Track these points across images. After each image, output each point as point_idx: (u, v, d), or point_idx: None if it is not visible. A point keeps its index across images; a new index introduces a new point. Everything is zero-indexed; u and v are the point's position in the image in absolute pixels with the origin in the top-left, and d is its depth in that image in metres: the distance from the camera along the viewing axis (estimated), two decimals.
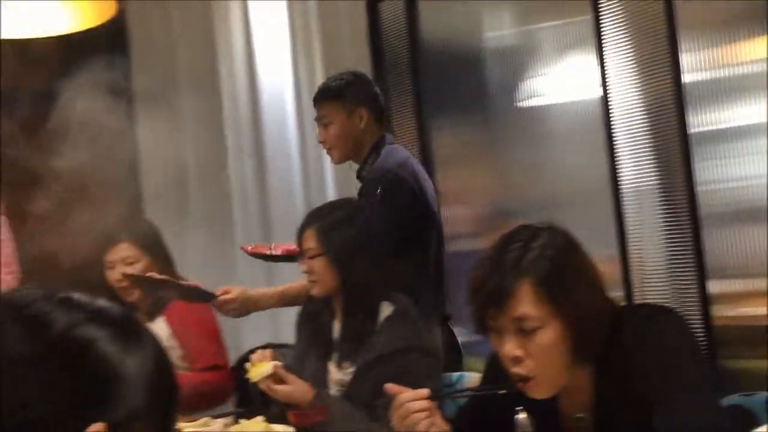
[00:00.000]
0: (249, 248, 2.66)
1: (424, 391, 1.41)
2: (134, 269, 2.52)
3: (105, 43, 3.32)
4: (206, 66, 3.55)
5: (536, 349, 1.27)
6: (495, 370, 1.43)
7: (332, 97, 2.47)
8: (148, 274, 2.43)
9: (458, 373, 2.25)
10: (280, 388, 1.92)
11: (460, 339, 2.55)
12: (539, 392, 1.31)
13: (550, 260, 1.30)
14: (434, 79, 3.50)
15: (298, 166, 3.72)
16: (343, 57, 3.74)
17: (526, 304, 1.27)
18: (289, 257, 2.43)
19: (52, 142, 3.15)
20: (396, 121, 3.76)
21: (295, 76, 3.70)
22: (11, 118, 3.19)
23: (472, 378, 2.21)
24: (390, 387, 1.43)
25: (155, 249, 2.59)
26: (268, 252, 2.60)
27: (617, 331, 1.32)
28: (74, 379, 0.71)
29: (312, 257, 2.06)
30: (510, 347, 1.28)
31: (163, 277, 2.41)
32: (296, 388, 1.93)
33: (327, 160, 3.74)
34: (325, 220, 2.10)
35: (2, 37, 2.67)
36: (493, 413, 1.40)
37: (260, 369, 1.92)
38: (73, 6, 2.74)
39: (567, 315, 1.27)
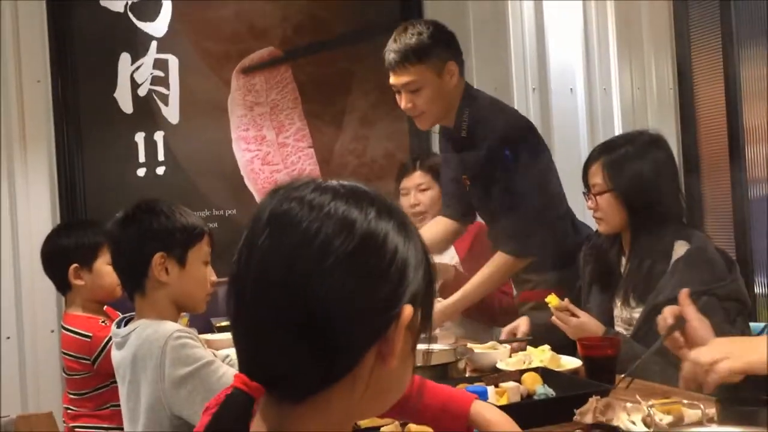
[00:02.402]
0: None
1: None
2: (426, 196, 2.69)
3: None
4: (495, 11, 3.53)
5: None
6: None
7: (418, 59, 2.20)
8: None
9: (761, 324, 2.07)
10: (573, 320, 1.93)
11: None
12: None
13: None
14: (742, 6, 3.15)
15: (583, 101, 3.60)
16: None
17: None
18: None
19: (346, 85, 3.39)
20: (697, 54, 3.48)
21: (585, 12, 3.56)
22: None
23: None
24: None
25: None
26: None
27: None
28: (377, 270, 0.74)
29: (599, 193, 2.00)
30: None
31: None
32: (587, 322, 1.93)
33: (614, 97, 3.65)
34: (612, 154, 2.01)
35: None
36: None
37: (556, 301, 1.99)
38: None
39: None
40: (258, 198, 3.45)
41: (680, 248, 1.93)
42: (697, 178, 3.48)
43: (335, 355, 0.73)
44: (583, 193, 2.09)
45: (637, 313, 1.96)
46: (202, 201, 3.31)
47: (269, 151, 3.46)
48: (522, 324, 2.22)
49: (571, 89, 3.60)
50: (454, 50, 2.27)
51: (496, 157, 2.24)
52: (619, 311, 2.04)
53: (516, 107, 3.53)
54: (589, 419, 1.39)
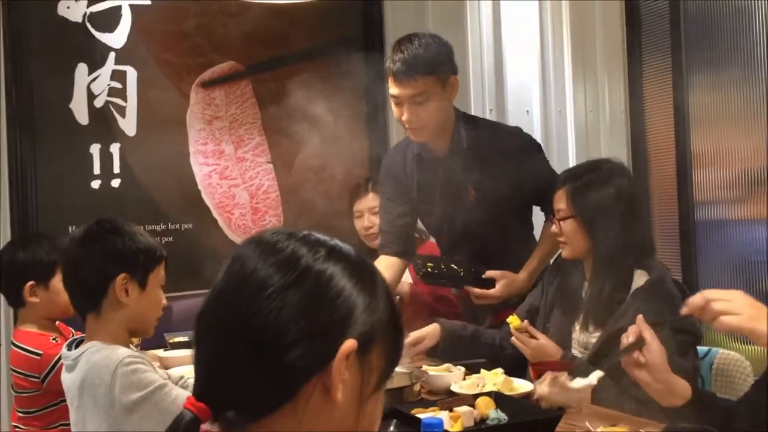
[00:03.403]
0: None
1: None
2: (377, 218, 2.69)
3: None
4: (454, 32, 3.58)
5: None
6: None
7: (426, 70, 2.17)
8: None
9: (706, 348, 2.14)
10: (532, 341, 1.98)
11: None
12: None
13: None
14: (692, 33, 3.26)
15: (539, 123, 3.68)
16: (590, 9, 3.62)
17: None
18: None
19: (307, 100, 3.41)
20: (648, 79, 3.58)
21: (541, 28, 3.64)
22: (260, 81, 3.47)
23: (721, 353, 2.09)
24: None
25: None
26: None
27: None
28: (318, 305, 0.79)
29: (563, 219, 2.03)
30: None
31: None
32: (546, 344, 1.98)
33: (568, 120, 3.72)
34: (577, 181, 2.03)
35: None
36: None
37: (517, 322, 2.04)
38: None
39: None
40: (215, 212, 3.44)
41: (640, 278, 1.97)
42: (646, 201, 3.58)
43: (276, 380, 0.77)
44: (548, 217, 2.13)
45: (594, 338, 2.00)
46: (159, 214, 3.28)
47: (228, 165, 3.45)
48: (429, 335, 2.23)
49: (527, 111, 3.67)
50: (454, 65, 2.27)
51: (520, 149, 2.34)
52: (577, 335, 2.08)
53: None
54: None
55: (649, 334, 1.44)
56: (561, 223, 2.03)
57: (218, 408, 0.79)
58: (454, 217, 2.42)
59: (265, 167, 3.51)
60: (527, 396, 1.90)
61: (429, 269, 2.35)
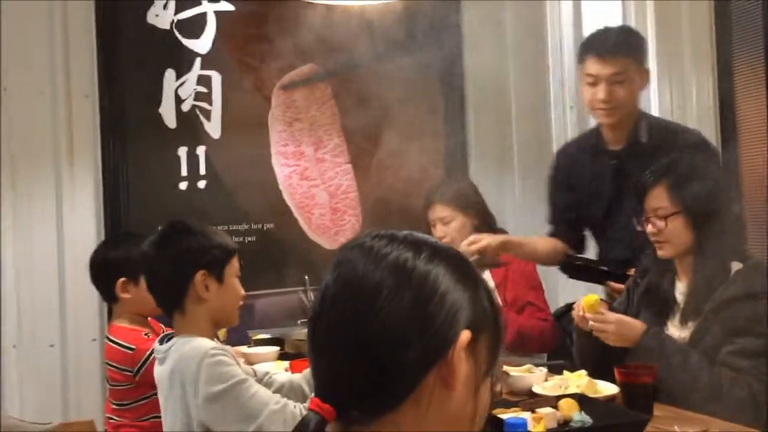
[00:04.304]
0: None
1: None
2: (450, 228, 2.67)
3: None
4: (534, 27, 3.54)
5: None
6: None
7: (628, 53, 2.32)
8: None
9: None
10: (611, 316, 1.92)
11: None
12: None
13: None
14: None
15: None
16: (675, 11, 3.51)
17: None
18: None
19: (385, 101, 3.44)
20: (739, 75, 3.45)
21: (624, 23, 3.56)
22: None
23: None
24: None
25: (470, 206, 2.69)
26: None
27: None
28: (429, 303, 0.83)
29: (664, 216, 1.94)
30: None
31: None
32: (627, 319, 1.93)
33: (654, 111, 3.61)
34: (677, 175, 1.94)
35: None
36: None
37: (594, 298, 2.00)
38: None
39: None
40: (296, 212, 3.50)
41: (737, 266, 1.91)
42: (737, 196, 3.44)
43: (396, 377, 0.82)
44: (638, 219, 2.04)
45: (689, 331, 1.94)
46: (241, 214, 3.36)
47: (307, 166, 3.51)
48: None
49: None
50: (647, 59, 2.43)
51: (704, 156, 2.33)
52: (672, 333, 2.00)
53: (553, 125, 3.56)
54: None
55: None
56: (660, 221, 1.94)
57: (341, 407, 0.83)
58: (619, 209, 2.40)
59: (344, 167, 3.55)
60: (612, 399, 1.85)
61: (577, 263, 2.46)
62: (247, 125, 3.40)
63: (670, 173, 1.95)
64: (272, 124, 3.46)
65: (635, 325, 1.91)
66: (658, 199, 1.94)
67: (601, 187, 2.45)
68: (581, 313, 1.98)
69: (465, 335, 0.82)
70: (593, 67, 2.32)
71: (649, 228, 1.97)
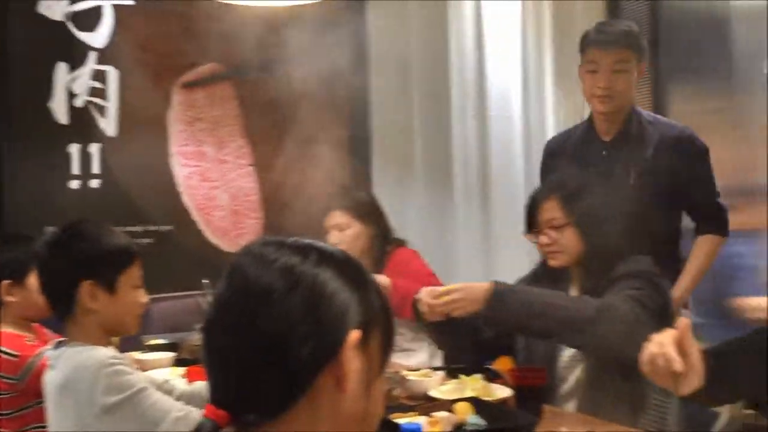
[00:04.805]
0: None
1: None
2: (345, 235, 2.62)
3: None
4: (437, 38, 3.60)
5: None
6: None
7: (630, 44, 2.39)
8: None
9: None
10: (453, 286, 1.92)
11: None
12: None
13: None
14: (675, 44, 3.31)
15: (520, 129, 3.70)
16: (573, 17, 3.65)
17: None
18: None
19: (292, 103, 3.42)
20: None
21: (523, 37, 3.67)
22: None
23: None
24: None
25: (368, 216, 2.68)
26: None
27: None
28: (318, 303, 0.85)
29: (557, 227, 2.02)
30: None
31: None
32: (468, 283, 1.94)
33: (549, 123, 3.75)
34: (569, 189, 2.04)
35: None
36: None
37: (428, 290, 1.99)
38: None
39: None
40: (195, 214, 3.42)
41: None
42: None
43: (288, 379, 0.83)
44: (529, 230, 2.10)
45: None
46: (138, 216, 3.26)
47: (208, 167, 3.44)
48: None
49: (508, 116, 3.70)
50: (646, 56, 2.46)
51: (687, 153, 2.41)
52: None
53: (456, 135, 3.63)
54: None
55: (692, 344, 1.31)
56: (556, 231, 2.02)
57: (237, 412, 0.84)
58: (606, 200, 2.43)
59: (246, 169, 3.50)
60: (505, 401, 1.90)
61: None
62: (145, 123, 3.30)
63: (562, 187, 2.05)
64: (172, 123, 3.37)
65: (481, 284, 1.92)
66: (552, 210, 2.03)
67: (590, 176, 2.43)
68: (428, 301, 1.94)
69: (354, 335, 0.83)
70: (595, 54, 2.39)
71: (543, 239, 2.05)
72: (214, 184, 3.45)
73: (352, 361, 0.83)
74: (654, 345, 1.30)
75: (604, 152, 2.47)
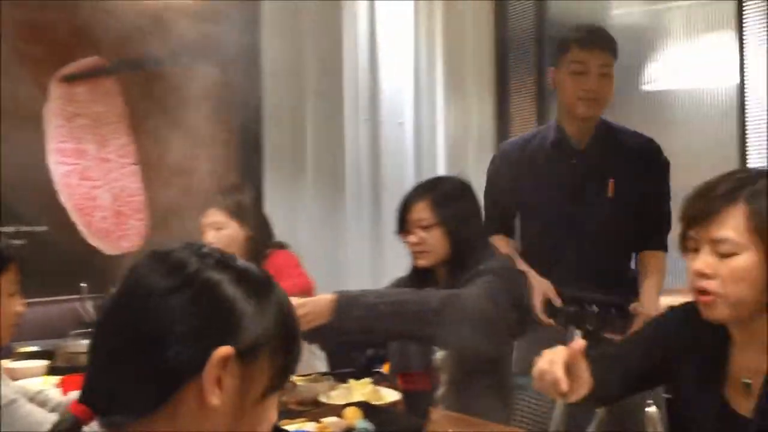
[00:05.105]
0: None
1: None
2: (222, 234, 2.58)
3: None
4: (331, 43, 3.59)
5: (726, 271, 1.29)
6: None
7: (613, 48, 2.32)
8: None
9: None
10: (297, 300, 1.88)
11: None
12: (718, 313, 1.32)
13: None
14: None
15: (411, 135, 3.75)
16: (463, 24, 3.74)
17: (730, 228, 1.29)
18: None
19: (176, 102, 3.32)
20: (515, 104, 3.75)
21: (416, 43, 3.72)
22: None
23: None
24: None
25: (247, 217, 2.63)
26: None
27: None
28: (200, 309, 0.82)
29: (426, 227, 2.09)
30: (700, 264, 1.31)
31: None
32: (310, 298, 1.95)
33: (439, 129, 3.82)
34: (437, 192, 2.12)
35: None
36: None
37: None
38: None
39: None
40: (74, 214, 3.26)
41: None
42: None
43: (154, 380, 0.80)
44: (401, 230, 2.15)
45: None
46: (10, 215, 3.06)
47: (89, 165, 3.28)
48: None
49: (400, 122, 3.75)
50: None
51: (653, 165, 2.36)
52: None
53: (347, 138, 3.63)
54: None
55: (582, 365, 1.37)
56: (424, 231, 2.08)
57: (102, 410, 0.83)
58: (578, 211, 2.36)
59: (130, 168, 3.36)
60: (394, 405, 1.92)
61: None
62: (20, 118, 3.10)
63: (434, 189, 2.12)
64: (49, 118, 3.20)
65: (325, 296, 1.93)
66: (422, 211, 2.09)
67: (559, 185, 2.39)
68: None
69: (222, 351, 0.80)
70: (581, 55, 2.30)
71: (411, 238, 2.11)
72: (95, 183, 3.29)
73: (217, 377, 0.80)
74: (544, 362, 1.34)
75: (574, 160, 2.38)
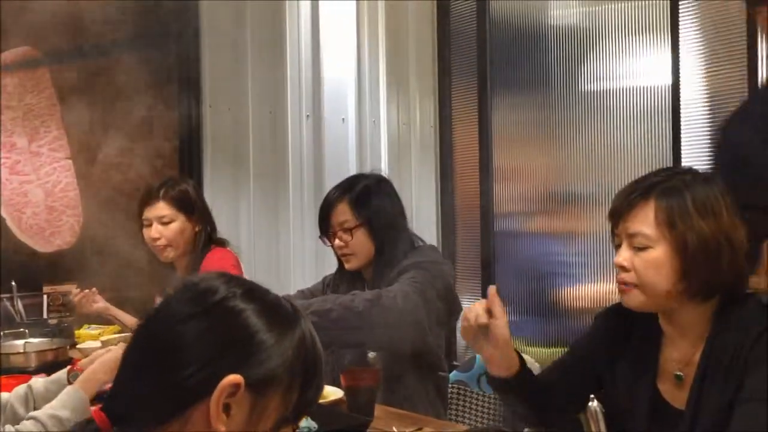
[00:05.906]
0: None
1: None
2: (169, 228, 2.52)
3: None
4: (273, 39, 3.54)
5: (640, 263, 1.35)
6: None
7: None
8: None
9: None
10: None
11: None
12: (634, 301, 1.38)
13: (683, 191, 1.34)
14: (498, 58, 3.49)
15: (354, 131, 3.74)
16: (406, 22, 3.74)
17: (643, 223, 1.35)
18: None
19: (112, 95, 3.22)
20: (457, 101, 3.77)
21: (358, 38, 3.71)
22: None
23: None
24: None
25: (194, 211, 2.58)
26: None
27: (740, 306, 1.34)
28: (216, 336, 0.85)
29: (349, 229, 2.06)
30: (619, 258, 1.38)
31: None
32: None
33: (382, 124, 3.81)
34: (357, 191, 2.08)
35: None
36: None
37: None
38: None
39: (681, 244, 1.33)
40: (3, 210, 3.13)
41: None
42: (452, 211, 3.77)
43: (168, 395, 0.84)
44: (322, 236, 2.11)
45: None
46: None
47: (19, 159, 3.16)
48: None
49: (343, 119, 3.73)
50: None
51: None
52: None
53: (290, 134, 3.59)
54: None
55: (498, 309, 1.44)
56: (348, 234, 2.04)
57: (119, 418, 0.86)
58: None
59: (63, 163, 3.25)
60: (338, 403, 1.90)
61: None
62: None
63: (351, 190, 2.08)
64: None
65: None
66: (343, 213, 2.06)
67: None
68: None
69: (230, 378, 0.82)
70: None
71: (336, 242, 2.08)
72: (26, 178, 3.17)
73: (222, 403, 0.82)
74: (467, 309, 1.47)
75: None
